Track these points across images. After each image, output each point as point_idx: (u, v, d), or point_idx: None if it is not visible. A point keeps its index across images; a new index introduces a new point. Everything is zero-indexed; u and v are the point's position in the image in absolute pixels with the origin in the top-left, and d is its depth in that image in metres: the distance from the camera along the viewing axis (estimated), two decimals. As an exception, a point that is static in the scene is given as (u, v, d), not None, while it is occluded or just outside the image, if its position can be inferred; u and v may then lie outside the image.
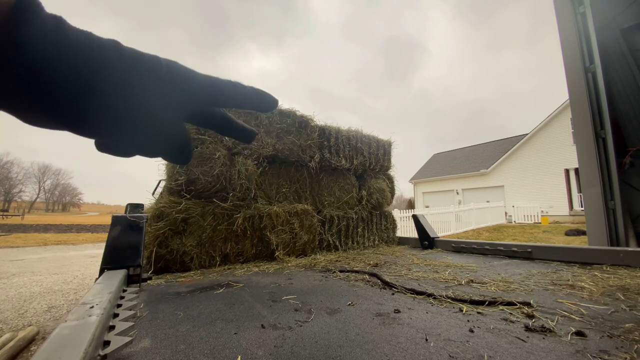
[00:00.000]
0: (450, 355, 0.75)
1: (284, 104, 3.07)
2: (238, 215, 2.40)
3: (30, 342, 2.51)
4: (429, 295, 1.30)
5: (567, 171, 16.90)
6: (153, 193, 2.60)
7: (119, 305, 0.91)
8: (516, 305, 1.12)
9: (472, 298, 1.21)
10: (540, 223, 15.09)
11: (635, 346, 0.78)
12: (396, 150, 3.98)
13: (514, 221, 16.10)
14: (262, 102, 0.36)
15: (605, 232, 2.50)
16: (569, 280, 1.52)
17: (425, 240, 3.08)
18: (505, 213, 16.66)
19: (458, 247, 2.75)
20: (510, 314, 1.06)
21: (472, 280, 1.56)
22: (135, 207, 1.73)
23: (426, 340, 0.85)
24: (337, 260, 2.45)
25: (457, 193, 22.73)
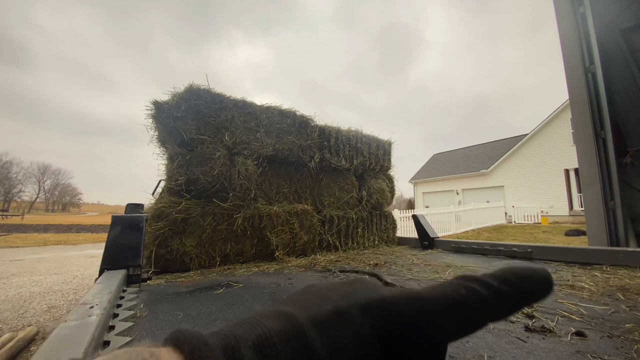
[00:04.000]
0: (450, 355, 0.75)
1: (277, 100, 3.07)
2: (238, 215, 2.40)
3: (30, 342, 2.51)
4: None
5: (567, 171, 16.90)
6: (153, 193, 2.60)
7: (119, 306, 0.91)
8: (516, 305, 1.12)
9: (472, 298, 1.21)
10: (540, 223, 15.07)
11: (635, 346, 0.78)
12: (396, 150, 3.98)
13: (514, 221, 16.09)
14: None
15: (605, 232, 2.50)
16: (569, 280, 1.52)
17: (425, 240, 3.08)
18: (505, 213, 16.65)
19: (458, 247, 2.74)
20: (510, 314, 1.05)
21: (472, 281, 1.56)
22: (135, 207, 1.74)
23: (426, 340, 0.85)
24: (337, 260, 2.45)
25: (457, 193, 22.72)
